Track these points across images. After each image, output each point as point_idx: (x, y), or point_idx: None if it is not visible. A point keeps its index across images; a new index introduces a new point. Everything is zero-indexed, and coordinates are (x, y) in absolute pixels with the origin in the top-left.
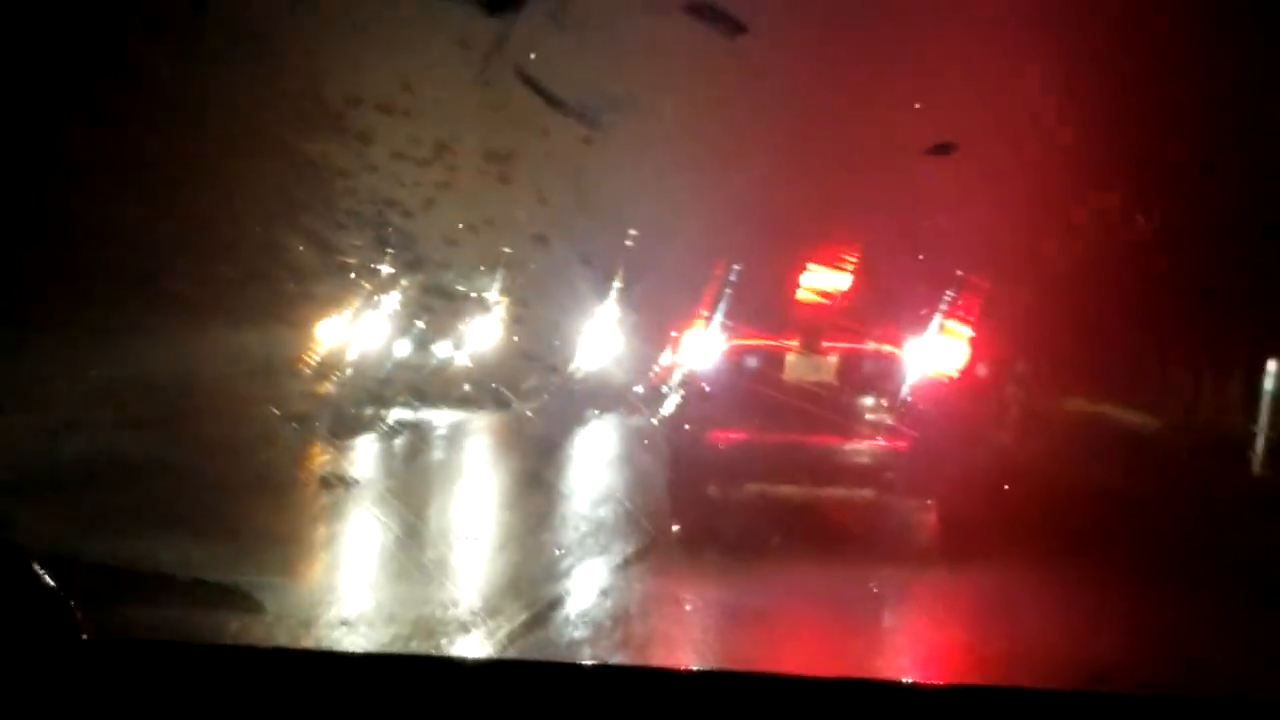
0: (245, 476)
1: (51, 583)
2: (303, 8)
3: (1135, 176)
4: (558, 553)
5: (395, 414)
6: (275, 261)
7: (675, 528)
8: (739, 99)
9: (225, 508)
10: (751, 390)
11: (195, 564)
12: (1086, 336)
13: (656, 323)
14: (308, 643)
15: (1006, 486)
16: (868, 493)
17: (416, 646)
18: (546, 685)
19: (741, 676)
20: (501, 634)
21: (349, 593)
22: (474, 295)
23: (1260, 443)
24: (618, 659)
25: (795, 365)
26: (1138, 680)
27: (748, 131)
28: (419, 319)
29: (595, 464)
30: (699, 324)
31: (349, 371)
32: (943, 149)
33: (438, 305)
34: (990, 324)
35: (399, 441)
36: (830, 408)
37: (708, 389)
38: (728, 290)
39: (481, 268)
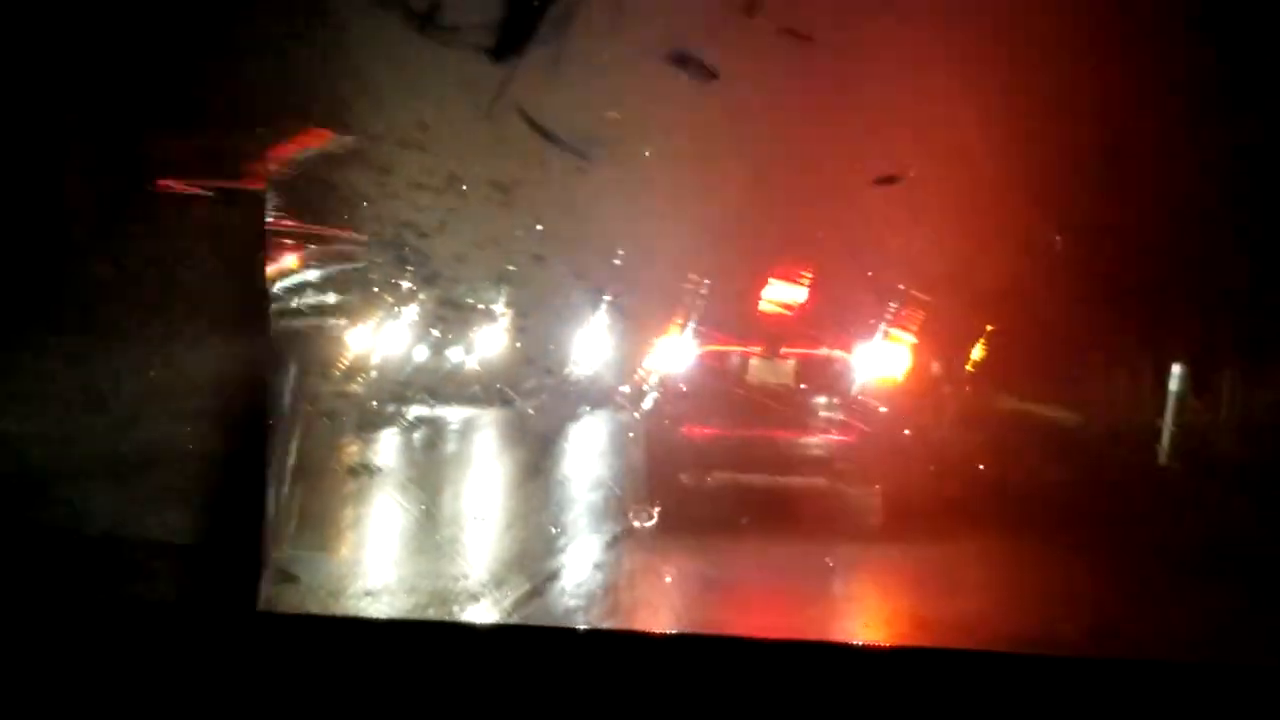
0: (283, 465)
1: None
2: (332, 58)
3: (1057, 205)
4: (554, 531)
5: (414, 411)
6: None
7: (654, 510)
8: (711, 136)
9: (265, 491)
10: (720, 390)
11: (237, 539)
12: (1015, 344)
13: (640, 330)
14: (337, 610)
15: (938, 471)
16: (822, 480)
17: (432, 613)
18: (545, 647)
19: (714, 639)
20: (507, 602)
21: (373, 566)
22: (482, 307)
23: (1165, 435)
24: (608, 624)
25: (758, 368)
26: (1055, 641)
27: (718, 164)
28: (434, 328)
29: (587, 454)
30: (675, 332)
31: (373, 373)
32: (888, 180)
33: (450, 316)
34: (929, 333)
35: (417, 435)
36: (789, 406)
37: (682, 389)
38: (700, 302)
39: (487, 282)
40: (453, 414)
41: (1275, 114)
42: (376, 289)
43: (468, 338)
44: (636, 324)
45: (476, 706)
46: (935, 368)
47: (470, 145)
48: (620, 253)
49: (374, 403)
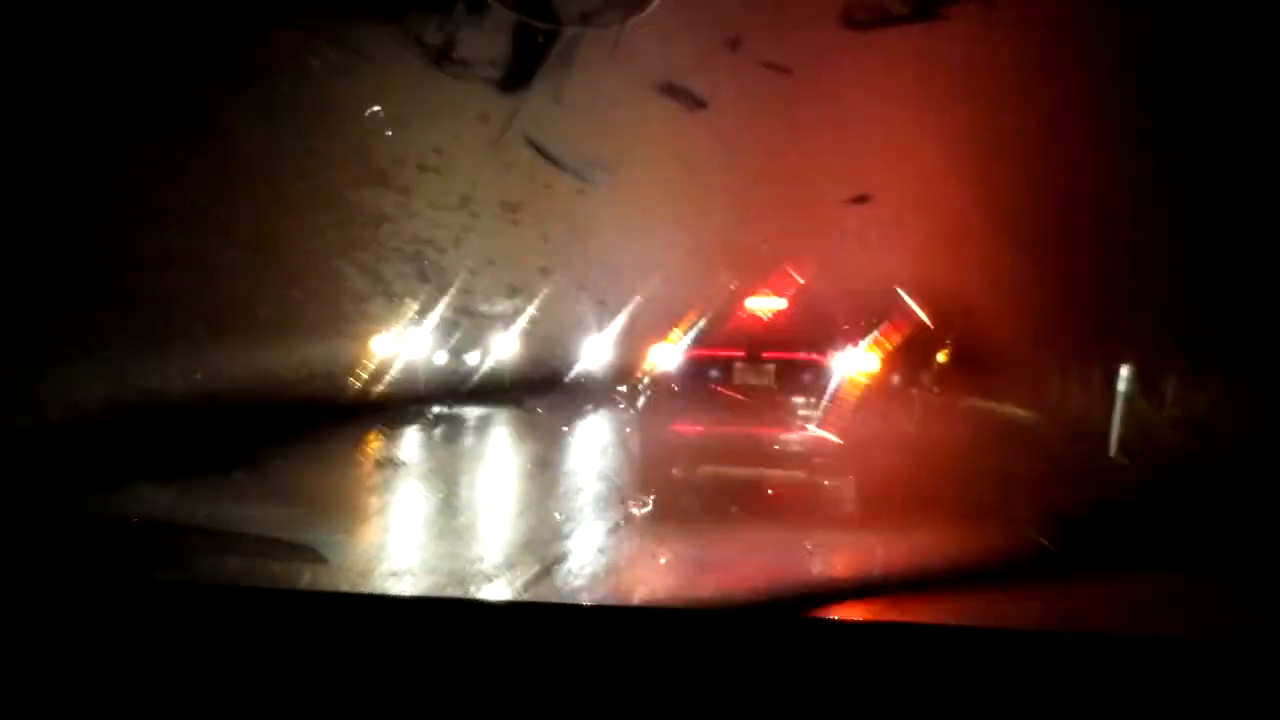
0: (315, 458)
1: None
2: (357, 90)
3: (1014, 226)
4: (560, 518)
5: (434, 409)
6: (337, 287)
7: (650, 500)
8: (700, 160)
9: (300, 482)
10: (707, 391)
11: (276, 525)
12: (978, 349)
13: (636, 336)
14: (364, 589)
15: (906, 464)
16: (800, 473)
17: (451, 592)
18: (554, 622)
19: (704, 612)
20: (518, 582)
21: (398, 549)
22: (494, 315)
23: (1114, 431)
24: (610, 600)
25: (742, 371)
26: (1010, 615)
27: (707, 185)
28: (453, 334)
29: (589, 449)
30: (667, 338)
31: (398, 375)
32: (859, 199)
33: (467, 324)
34: (899, 339)
35: (437, 431)
36: (770, 405)
37: (673, 389)
38: (689, 311)
39: (499, 292)
40: (469, 412)
41: (1206, 151)
42: (400, 299)
43: (483, 343)
44: (632, 330)
45: (492, 675)
46: (904, 371)
47: (482, 169)
48: (617, 266)
49: (398, 402)
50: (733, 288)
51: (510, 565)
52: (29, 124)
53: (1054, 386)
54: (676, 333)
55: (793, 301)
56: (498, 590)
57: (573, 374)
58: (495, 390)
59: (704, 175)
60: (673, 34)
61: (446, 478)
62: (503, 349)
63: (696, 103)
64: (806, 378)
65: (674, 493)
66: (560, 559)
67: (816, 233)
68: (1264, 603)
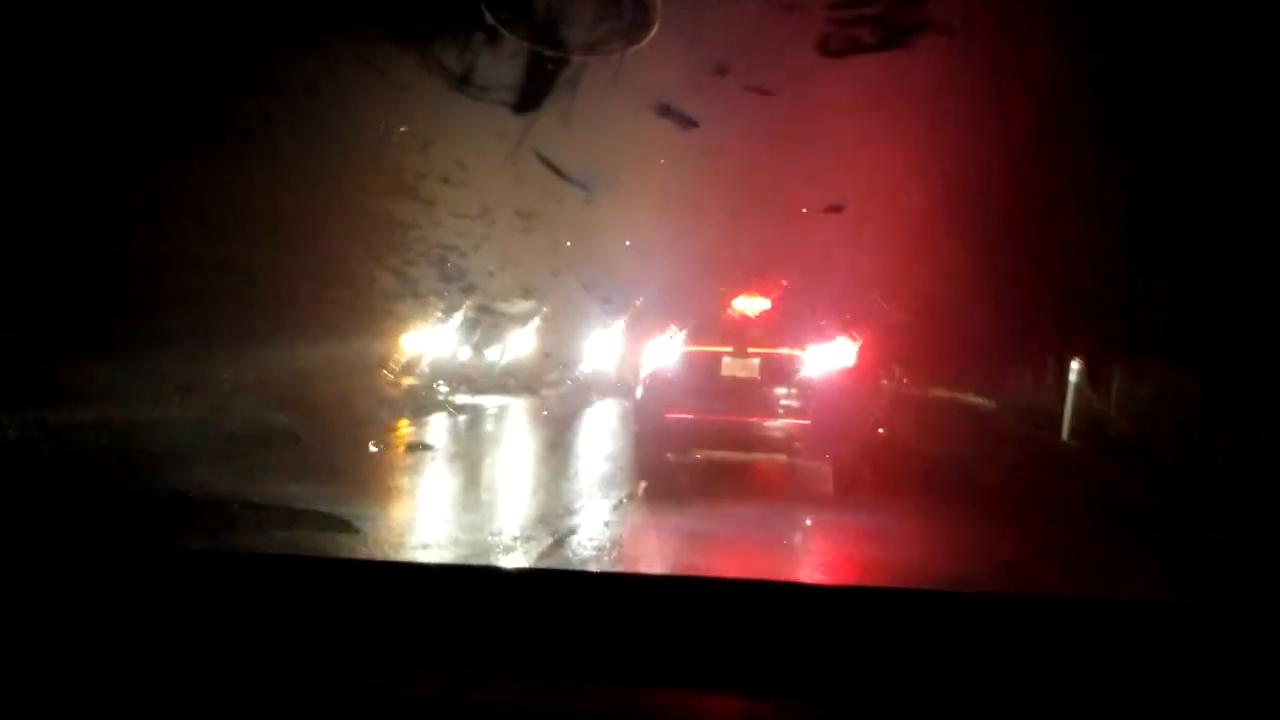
0: (352, 443)
1: None
2: (388, 111)
3: (975, 233)
4: (570, 496)
5: (458, 399)
6: (369, 289)
7: (649, 480)
8: (693, 173)
9: (338, 464)
10: (697, 382)
11: (317, 501)
12: (944, 344)
13: (636, 333)
14: (395, 559)
15: (878, 448)
16: (782, 456)
17: (474, 561)
18: (566, 588)
19: (698, 580)
20: (534, 553)
21: (426, 524)
22: (510, 314)
23: (1066, 418)
24: (616, 569)
25: (729, 365)
26: (974, 582)
27: (698, 196)
28: (474, 333)
29: (594, 435)
30: (662, 334)
31: (425, 369)
32: (834, 208)
33: (487, 322)
34: (871, 335)
35: (461, 419)
36: (755, 396)
37: (668, 381)
38: (682, 310)
39: (514, 292)
40: (489, 402)
41: (1146, 166)
42: (426, 298)
43: (502, 340)
44: (633, 327)
45: (511, 634)
46: (876, 363)
47: (498, 182)
48: (618, 268)
49: (425, 393)
50: (721, 290)
51: (526, 539)
52: (94, 143)
53: (1011, 378)
54: (671, 329)
55: (776, 301)
56: (515, 560)
57: (579, 368)
58: (513, 382)
59: (696, 187)
60: (667, 62)
61: (469, 460)
62: (520, 345)
63: (689, 122)
64: (787, 370)
65: (669, 474)
66: (571, 532)
67: (796, 237)
68: (1198, 567)
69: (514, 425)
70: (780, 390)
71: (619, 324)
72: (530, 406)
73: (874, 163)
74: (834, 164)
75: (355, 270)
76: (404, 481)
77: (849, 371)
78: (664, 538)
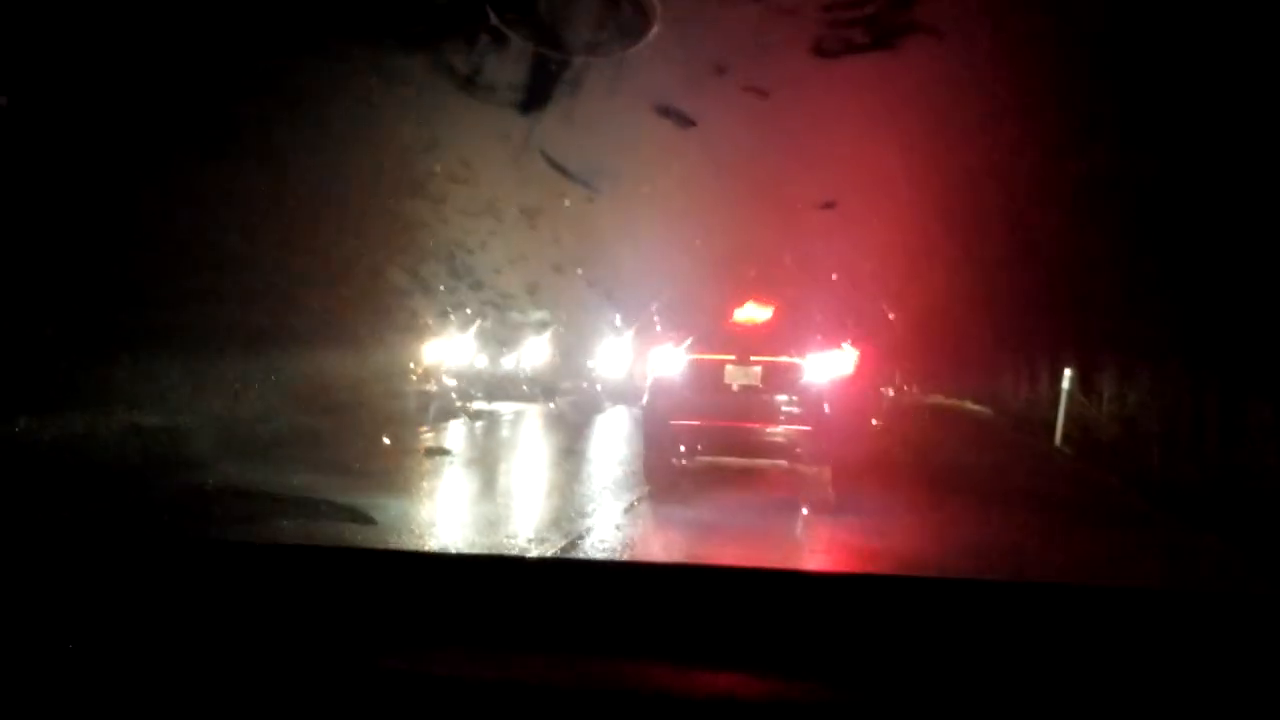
0: (374, 444)
1: None
2: (397, 115)
3: (970, 239)
4: (581, 500)
5: (475, 405)
6: (379, 285)
7: (656, 483)
8: (692, 174)
9: (362, 464)
10: (702, 389)
11: (342, 496)
12: (943, 353)
13: (642, 342)
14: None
15: (877, 453)
16: (784, 461)
17: None
18: (577, 577)
19: (704, 569)
20: (548, 556)
21: (444, 527)
22: (527, 324)
23: (1059, 423)
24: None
25: (733, 372)
26: (968, 570)
27: (696, 193)
28: (490, 343)
29: (604, 441)
30: (668, 342)
31: (444, 376)
32: (827, 205)
33: (503, 331)
34: (872, 343)
35: (478, 423)
36: (757, 402)
37: (674, 388)
38: (686, 319)
39: (519, 288)
40: (506, 407)
41: (1143, 171)
42: (435, 296)
43: (517, 348)
44: (639, 335)
45: (522, 620)
46: (875, 371)
47: (504, 180)
48: (620, 263)
49: (445, 398)
50: (725, 298)
51: (540, 540)
52: (127, 151)
53: (1007, 385)
54: (676, 337)
55: (777, 311)
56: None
57: (593, 374)
58: (528, 388)
59: (694, 184)
60: (666, 63)
61: (486, 463)
62: (534, 353)
63: (687, 121)
64: (789, 377)
65: (677, 478)
66: (583, 534)
67: (790, 235)
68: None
69: (529, 430)
70: (781, 397)
71: (629, 333)
72: (545, 412)
73: (868, 162)
74: (827, 164)
75: (366, 265)
76: (425, 485)
77: (849, 379)
78: (673, 542)
